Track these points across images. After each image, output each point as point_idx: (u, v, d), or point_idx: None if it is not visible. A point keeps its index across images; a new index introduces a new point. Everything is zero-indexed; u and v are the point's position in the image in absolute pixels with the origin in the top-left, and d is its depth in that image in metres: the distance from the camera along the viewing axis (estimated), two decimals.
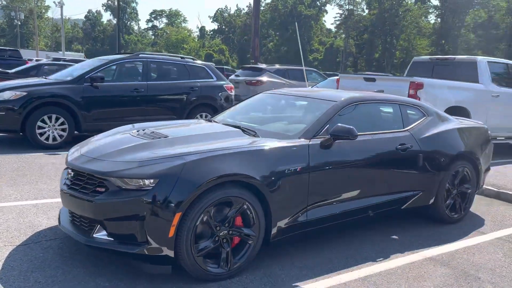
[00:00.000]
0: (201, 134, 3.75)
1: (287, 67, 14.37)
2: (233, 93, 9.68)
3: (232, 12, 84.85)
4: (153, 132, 3.77)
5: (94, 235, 3.14)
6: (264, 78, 13.30)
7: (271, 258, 3.53)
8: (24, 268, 3.19)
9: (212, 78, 9.37)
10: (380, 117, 4.42)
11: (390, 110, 4.47)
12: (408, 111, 4.52)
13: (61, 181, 3.60)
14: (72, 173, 3.36)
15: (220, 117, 4.65)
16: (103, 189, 3.09)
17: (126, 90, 8.18)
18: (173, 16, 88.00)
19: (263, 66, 14.10)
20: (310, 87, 12.25)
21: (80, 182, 3.25)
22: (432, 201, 4.45)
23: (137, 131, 3.87)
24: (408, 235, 4.27)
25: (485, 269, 3.61)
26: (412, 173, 4.26)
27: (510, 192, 5.84)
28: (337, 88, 8.62)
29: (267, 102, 4.81)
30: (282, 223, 3.41)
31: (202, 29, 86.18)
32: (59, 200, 4.34)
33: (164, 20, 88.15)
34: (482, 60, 8.35)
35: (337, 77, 9.12)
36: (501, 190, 5.89)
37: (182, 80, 8.89)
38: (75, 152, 3.61)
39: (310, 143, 3.58)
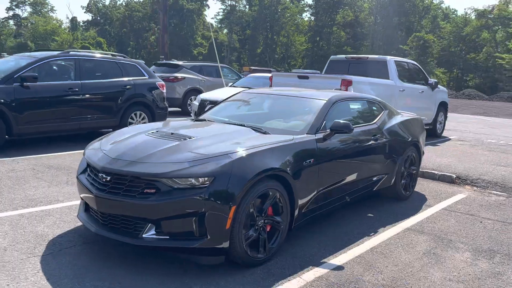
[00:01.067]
0: (220, 133, 3.99)
1: (202, 64, 14.60)
2: (165, 90, 9.70)
3: (107, 3, 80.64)
4: (172, 133, 3.92)
5: (143, 236, 3.25)
6: (181, 75, 13.36)
7: (289, 242, 3.96)
8: (70, 274, 3.18)
9: (145, 76, 9.28)
10: (356, 112, 5.09)
11: (361, 106, 5.17)
12: (373, 107, 5.28)
13: (83, 187, 3.59)
14: (108, 177, 3.38)
15: (209, 115, 4.89)
16: (153, 190, 3.21)
17: (60, 90, 7.75)
18: (39, 5, 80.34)
19: (180, 62, 14.11)
20: (231, 84, 12.69)
21: (121, 186, 3.31)
22: (392, 182, 5.29)
23: (153, 132, 3.99)
24: (379, 213, 5.02)
25: (450, 233, 4.50)
26: (381, 159, 5.03)
27: (431, 171, 7.05)
28: (271, 86, 9.21)
29: (253, 101, 5.17)
30: (302, 209, 3.87)
31: (73, 20, 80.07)
32: (45, 207, 4.28)
33: (28, 8, 80.00)
34: (390, 59, 9.66)
35: (270, 74, 9.69)
36: (424, 170, 7.05)
37: (116, 79, 8.66)
38: (102, 156, 3.60)
39: (316, 137, 4.09)
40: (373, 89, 8.70)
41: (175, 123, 4.58)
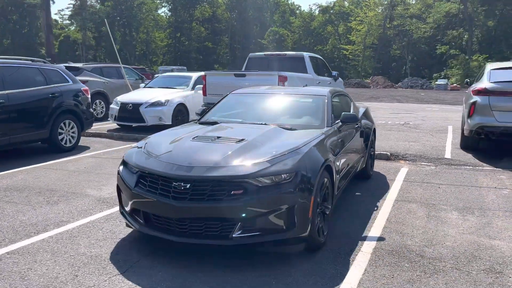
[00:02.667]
0: (260, 134, 4.18)
1: (103, 65, 13.82)
2: (89, 96, 9.15)
3: None
4: (219, 137, 4.05)
5: (233, 236, 3.40)
6: (84, 78, 12.51)
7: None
8: (168, 285, 3.19)
9: (68, 81, 8.65)
10: (340, 104, 5.70)
11: (340, 98, 5.81)
12: (347, 99, 6.01)
13: (145, 199, 3.56)
14: (188, 184, 3.42)
15: (217, 118, 5.03)
16: (240, 191, 3.39)
17: None
18: None
19: (79, 65, 13.14)
20: (144, 85, 12.35)
21: (204, 191, 3.40)
22: (365, 164, 6.10)
23: (195, 138, 4.10)
24: (363, 191, 5.78)
25: (428, 199, 5.45)
26: (361, 144, 5.78)
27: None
28: (205, 85, 9.37)
29: (250, 101, 5.43)
30: (336, 193, 4.38)
31: None
32: (60, 230, 4.06)
33: None
34: (306, 55, 10.61)
35: (202, 74, 9.79)
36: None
37: (41, 87, 7.94)
38: (168, 165, 3.58)
39: (335, 129, 4.62)
40: (301, 82, 9.51)
41: (199, 129, 4.61)
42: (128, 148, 8.88)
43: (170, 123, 10.43)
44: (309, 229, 3.56)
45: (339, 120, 4.81)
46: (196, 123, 5.12)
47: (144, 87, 12.24)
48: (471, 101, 7.87)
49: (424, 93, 38.16)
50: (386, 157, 7.89)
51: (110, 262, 3.59)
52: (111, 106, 10.99)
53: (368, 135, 6.10)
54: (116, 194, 5.34)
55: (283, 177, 3.45)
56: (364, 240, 4.11)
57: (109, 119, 11.17)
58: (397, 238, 4.17)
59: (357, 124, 5.59)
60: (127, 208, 3.87)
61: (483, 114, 7.66)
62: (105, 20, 12.50)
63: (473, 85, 8.45)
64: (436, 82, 48.93)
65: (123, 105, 10.53)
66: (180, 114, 10.78)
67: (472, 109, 7.81)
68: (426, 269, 3.51)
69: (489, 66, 8.64)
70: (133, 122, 10.64)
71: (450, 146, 9.01)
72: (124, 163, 4.03)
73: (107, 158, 7.92)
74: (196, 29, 69.32)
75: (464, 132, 8.24)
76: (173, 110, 10.46)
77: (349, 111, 5.75)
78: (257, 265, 3.55)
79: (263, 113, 5.07)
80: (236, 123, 4.82)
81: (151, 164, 3.72)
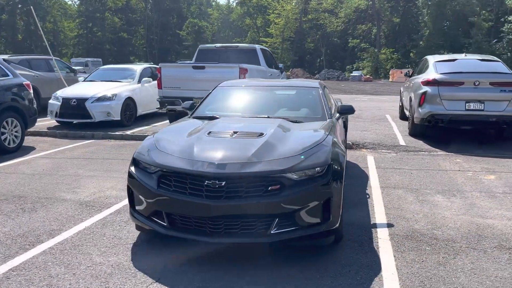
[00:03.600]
0: (275, 128, 4.03)
1: (31, 57, 12.58)
2: (31, 91, 8.33)
3: None
4: (236, 132, 3.92)
5: (271, 232, 3.33)
6: None
7: None
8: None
9: (9, 76, 7.80)
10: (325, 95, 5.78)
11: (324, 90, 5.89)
12: (326, 90, 6.11)
13: (174, 200, 3.35)
14: (223, 182, 3.27)
15: (205, 112, 4.85)
16: (277, 187, 3.31)
17: None
18: None
19: (5, 56, 11.80)
20: (83, 78, 11.52)
21: (240, 188, 3.28)
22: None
23: (210, 133, 3.93)
24: (345, 180, 5.95)
25: (409, 184, 5.75)
26: (344, 133, 5.93)
27: None
28: (160, 78, 8.97)
29: (243, 94, 5.29)
30: None
31: None
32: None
33: None
34: (258, 47, 10.61)
35: (157, 66, 9.32)
36: None
37: None
38: (197, 163, 3.39)
39: (335, 119, 4.68)
40: (259, 75, 9.52)
41: (204, 124, 4.39)
42: (80, 146, 8.27)
43: (119, 118, 9.87)
44: (339, 220, 3.59)
45: (333, 112, 4.88)
46: (190, 118, 4.89)
47: (84, 80, 11.40)
48: (421, 91, 8.43)
49: (344, 84, 40.10)
50: (349, 146, 8.19)
51: (137, 270, 3.33)
52: (50, 102, 10.10)
53: (346, 125, 6.28)
54: (97, 196, 5.02)
55: (317, 170, 3.43)
56: (376, 228, 4.24)
57: (48, 115, 10.25)
58: (403, 223, 4.36)
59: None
60: (144, 211, 3.61)
61: (433, 103, 8.25)
62: (31, 7, 11.35)
63: (421, 75, 9.03)
64: (351, 74, 51.65)
65: (66, 101, 9.73)
66: (129, 109, 10.24)
67: (423, 99, 8.38)
68: (447, 251, 3.72)
69: (432, 58, 9.32)
70: (78, 119, 9.89)
71: (399, 134, 9.59)
72: (135, 163, 3.74)
73: (63, 159, 7.28)
74: (109, 19, 65.88)
75: (415, 120, 8.81)
76: (122, 105, 9.89)
77: (331, 102, 5.86)
78: (295, 260, 3.51)
79: (260, 106, 4.98)
80: (237, 117, 4.69)
81: (174, 163, 3.49)
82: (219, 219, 3.31)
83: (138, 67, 11.44)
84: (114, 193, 5.31)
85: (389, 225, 4.30)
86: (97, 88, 10.15)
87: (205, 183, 3.30)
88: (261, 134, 3.85)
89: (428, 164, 6.89)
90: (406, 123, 10.83)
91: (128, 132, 9.42)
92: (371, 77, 49.76)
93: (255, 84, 5.52)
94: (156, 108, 9.17)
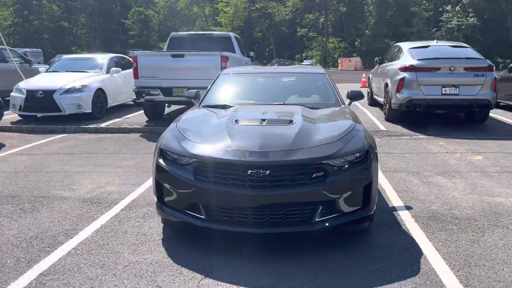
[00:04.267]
0: (301, 115, 3.94)
1: None
2: None
3: None
4: (264, 120, 3.80)
5: (316, 220, 3.28)
6: None
7: None
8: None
9: None
10: None
11: None
12: None
13: (216, 192, 3.21)
14: (267, 171, 3.17)
15: (216, 101, 4.68)
16: (321, 173, 3.26)
17: None
18: None
19: None
20: (45, 69, 10.81)
21: (284, 177, 3.20)
22: None
23: (237, 121, 3.81)
24: None
25: (406, 167, 5.90)
26: None
27: None
28: (136, 68, 8.56)
29: (249, 81, 5.15)
30: None
31: None
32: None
33: None
34: (232, 35, 10.41)
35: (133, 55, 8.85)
36: None
37: None
38: (237, 152, 3.26)
39: (347, 105, 4.68)
40: (235, 63, 9.37)
41: (223, 112, 4.21)
42: (54, 141, 7.78)
43: (90, 110, 9.37)
44: (375, 206, 3.60)
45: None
46: (200, 107, 4.67)
47: (47, 71, 10.69)
48: (399, 77, 8.66)
49: None
50: None
51: (180, 266, 3.17)
52: (12, 94, 9.38)
53: None
54: (98, 192, 4.79)
55: (356, 156, 3.41)
56: (396, 211, 4.31)
57: (10, 109, 9.53)
58: (420, 205, 4.46)
59: None
60: (177, 204, 3.43)
61: (411, 88, 8.50)
62: None
63: (396, 62, 9.25)
64: (301, 63, 52.26)
65: (31, 93, 9.08)
66: (99, 101, 9.74)
67: (401, 85, 8.62)
68: (473, 229, 3.84)
69: (405, 45, 9.60)
70: (46, 112, 9.28)
71: (376, 119, 9.81)
72: (163, 155, 3.54)
73: (41, 155, 6.80)
74: (47, 6, 62.11)
75: (392, 106, 9.04)
76: (93, 96, 9.39)
77: None
78: (333, 248, 3.48)
79: (270, 94, 4.88)
80: (253, 105, 4.55)
81: (212, 152, 3.34)
82: (263, 209, 3.21)
83: (105, 57, 10.89)
84: (114, 189, 5.03)
85: (408, 208, 4.38)
86: (64, 79, 9.55)
87: (248, 173, 3.19)
88: (290, 122, 3.76)
89: (416, 148, 7.11)
90: (378, 109, 11.12)
91: (103, 125, 8.97)
92: (320, 65, 50.69)
93: (260, 71, 5.41)
94: (132, 99, 8.78)
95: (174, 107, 10.98)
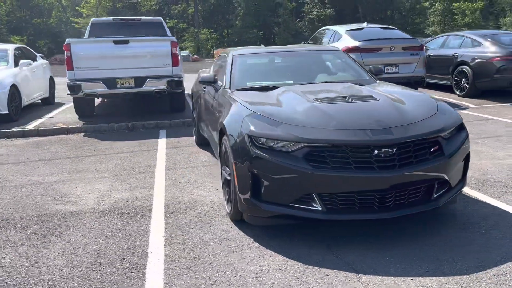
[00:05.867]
0: (371, 91, 3.76)
1: None
2: None
3: None
4: (345, 97, 3.51)
5: (434, 197, 3.14)
6: None
7: None
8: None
9: None
10: None
11: None
12: None
13: (335, 177, 2.87)
14: (394, 149, 2.91)
15: (248, 82, 4.21)
16: (436, 147, 3.13)
17: None
18: None
19: None
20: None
21: (408, 154, 2.99)
22: None
23: (316, 99, 3.47)
24: None
25: None
26: None
27: None
28: (70, 57, 7.30)
29: (274, 61, 4.74)
30: None
31: None
32: None
33: None
34: (162, 19, 9.57)
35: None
36: None
37: None
38: (358, 133, 2.94)
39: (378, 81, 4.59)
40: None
41: (293, 93, 3.74)
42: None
43: (7, 111, 7.77)
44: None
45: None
46: (232, 91, 4.10)
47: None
48: None
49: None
50: None
51: (314, 266, 2.75)
52: None
53: None
54: (112, 201, 4.19)
55: (454, 128, 3.33)
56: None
57: None
58: (480, 175, 4.50)
59: None
60: (284, 198, 2.99)
61: None
62: None
63: (337, 44, 9.48)
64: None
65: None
66: (14, 99, 8.12)
67: None
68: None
69: (341, 28, 9.90)
70: None
71: None
72: (255, 142, 3.02)
73: (3, 165, 5.41)
74: None
75: None
76: (8, 95, 7.79)
77: None
78: (429, 233, 3.37)
79: (300, 73, 4.55)
80: (294, 85, 4.14)
81: (326, 135, 2.95)
82: (390, 192, 2.96)
83: (10, 47, 9.09)
84: (127, 196, 4.23)
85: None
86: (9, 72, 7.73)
87: (375, 153, 2.90)
88: (374, 98, 3.52)
89: None
90: None
91: (30, 127, 7.51)
92: (198, 57, 50.27)
93: (275, 50, 5.02)
94: (68, 93, 7.45)
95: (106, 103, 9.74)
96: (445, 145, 3.16)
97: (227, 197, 3.60)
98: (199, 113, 5.51)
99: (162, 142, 6.52)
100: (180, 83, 7.85)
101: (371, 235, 3.16)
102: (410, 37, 9.41)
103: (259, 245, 3.08)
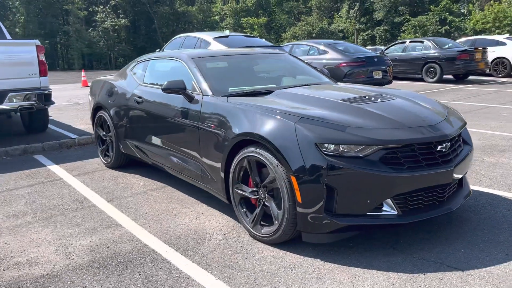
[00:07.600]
0: (376, 91, 3.74)
1: None
2: None
3: None
4: (365, 97, 3.42)
5: (464, 188, 3.37)
6: None
7: None
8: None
9: None
10: None
11: None
12: None
13: (417, 176, 2.82)
14: (449, 143, 3.00)
15: (226, 88, 3.71)
16: (460, 141, 3.36)
17: None
18: None
19: None
20: None
21: (453, 147, 3.12)
22: None
23: (343, 100, 3.33)
24: None
25: None
26: None
27: None
28: None
29: (234, 65, 4.18)
30: None
31: None
32: None
33: None
34: None
35: None
36: None
37: None
38: (420, 129, 2.92)
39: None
40: None
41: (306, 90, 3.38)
42: None
43: None
44: None
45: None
46: (224, 97, 3.51)
47: None
48: None
49: None
50: None
51: (413, 274, 2.61)
52: None
53: None
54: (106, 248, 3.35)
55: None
56: None
57: None
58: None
59: None
60: (360, 208, 2.76)
61: None
62: None
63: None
64: None
65: None
66: None
67: None
68: None
69: (207, 36, 9.70)
70: None
71: None
72: (323, 150, 2.70)
73: None
74: None
75: None
76: None
77: None
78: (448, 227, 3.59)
79: (272, 76, 4.30)
80: (283, 88, 3.81)
81: (395, 135, 2.83)
82: (447, 186, 3.03)
83: None
84: (96, 240, 3.23)
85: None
86: None
87: (438, 149, 2.93)
88: (393, 97, 3.52)
89: None
90: None
91: None
92: None
93: (234, 52, 4.51)
94: None
95: None
96: (463, 141, 3.43)
97: (247, 218, 3.14)
98: (131, 130, 4.60)
99: (57, 169, 5.20)
100: (49, 97, 6.43)
101: (430, 231, 3.17)
102: (272, 44, 9.88)
103: (334, 265, 2.74)
